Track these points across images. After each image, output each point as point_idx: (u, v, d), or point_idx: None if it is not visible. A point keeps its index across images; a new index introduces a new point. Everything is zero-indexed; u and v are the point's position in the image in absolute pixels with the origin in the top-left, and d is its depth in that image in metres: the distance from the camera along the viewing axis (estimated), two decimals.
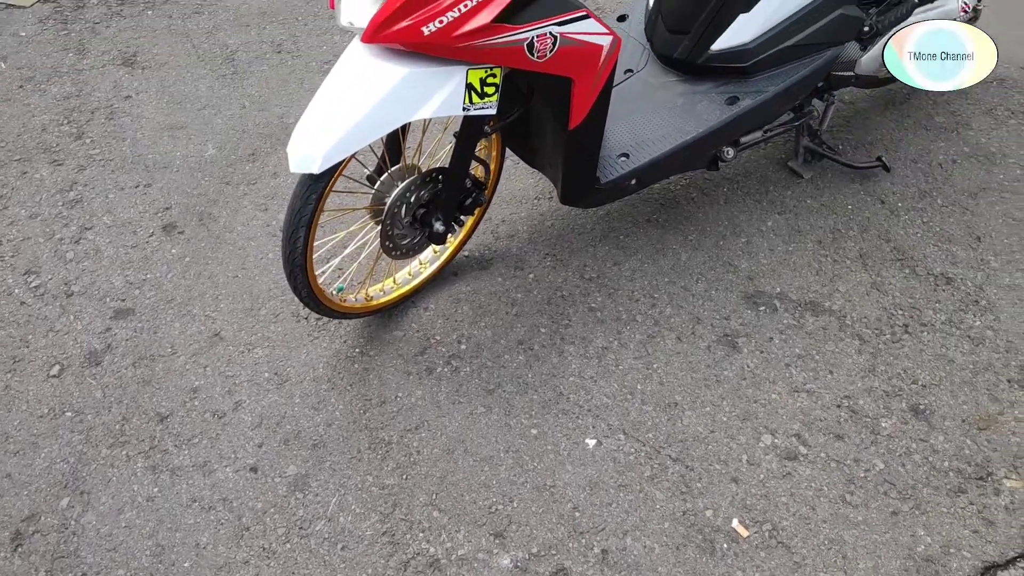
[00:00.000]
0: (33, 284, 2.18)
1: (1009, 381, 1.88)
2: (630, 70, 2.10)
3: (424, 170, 1.83)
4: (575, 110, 1.73)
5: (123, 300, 2.14)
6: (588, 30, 1.61)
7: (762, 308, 2.06)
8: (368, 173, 1.87)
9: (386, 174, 1.81)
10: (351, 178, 1.76)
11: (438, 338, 2.03)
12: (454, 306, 2.10)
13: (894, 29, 2.00)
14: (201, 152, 2.55)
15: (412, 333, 2.04)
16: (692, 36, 1.98)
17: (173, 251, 2.26)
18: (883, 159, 2.33)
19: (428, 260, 2.13)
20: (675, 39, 2.02)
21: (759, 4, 1.89)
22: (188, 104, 2.72)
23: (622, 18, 2.23)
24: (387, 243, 1.85)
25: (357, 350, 2.01)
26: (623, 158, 1.93)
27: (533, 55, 1.56)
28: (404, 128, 1.71)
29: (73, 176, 2.49)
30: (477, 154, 1.91)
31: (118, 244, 2.28)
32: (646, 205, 2.34)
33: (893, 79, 2.18)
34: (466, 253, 2.22)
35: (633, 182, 1.95)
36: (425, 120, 1.72)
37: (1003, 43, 2.74)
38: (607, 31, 1.64)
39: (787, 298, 2.08)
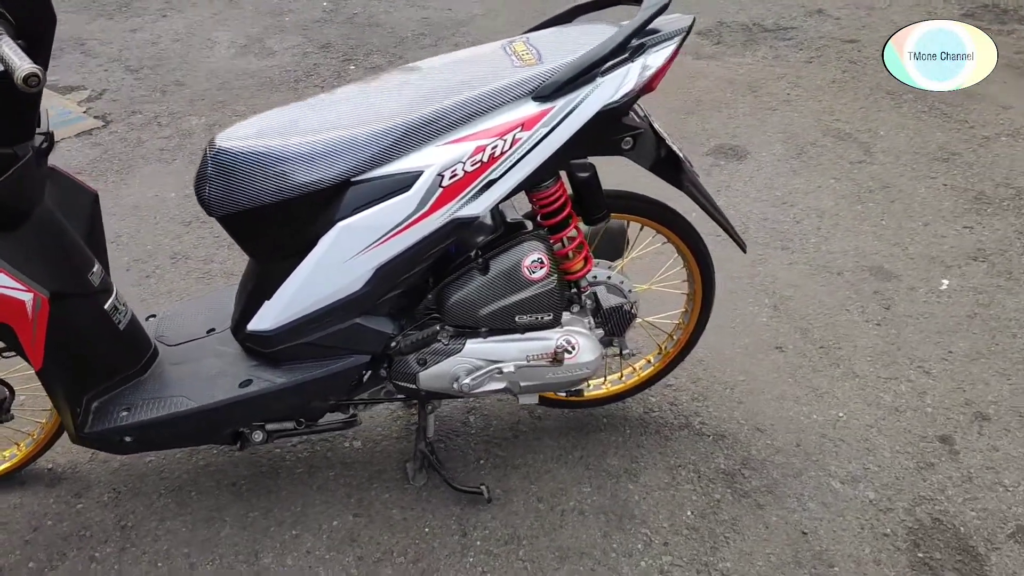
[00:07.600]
0: None
1: None
2: (212, 329, 2.10)
3: None
4: (30, 355, 1.77)
5: None
6: (3, 284, 1.67)
7: None
8: None
9: None
10: None
11: None
12: None
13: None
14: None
15: None
16: (235, 312, 1.97)
17: None
18: (486, 488, 2.09)
19: None
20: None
21: (275, 295, 1.85)
22: None
23: None
24: None
25: None
26: (124, 412, 1.90)
27: None
28: None
29: None
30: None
31: None
32: (246, 468, 2.24)
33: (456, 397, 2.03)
34: (49, 465, 2.24)
35: (127, 439, 1.90)
36: None
37: (763, 400, 2.41)
38: (25, 288, 1.68)
39: None
